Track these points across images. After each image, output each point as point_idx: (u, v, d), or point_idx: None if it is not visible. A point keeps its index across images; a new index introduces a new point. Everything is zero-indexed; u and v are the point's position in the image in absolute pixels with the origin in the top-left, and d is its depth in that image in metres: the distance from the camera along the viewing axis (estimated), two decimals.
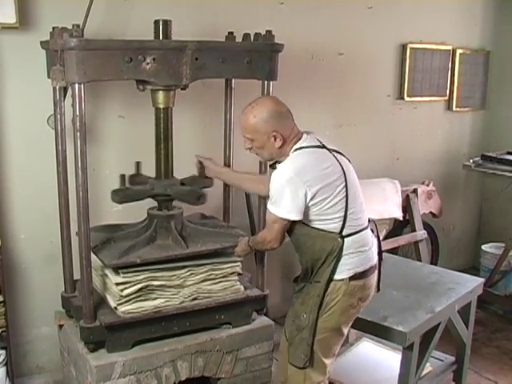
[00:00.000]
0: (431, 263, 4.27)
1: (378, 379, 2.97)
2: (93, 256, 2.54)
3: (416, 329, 2.57)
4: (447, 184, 4.73)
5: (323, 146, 2.27)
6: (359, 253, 2.26)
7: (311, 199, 2.16)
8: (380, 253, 2.43)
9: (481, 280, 3.15)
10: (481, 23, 4.65)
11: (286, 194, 2.14)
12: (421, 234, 4.12)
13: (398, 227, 4.15)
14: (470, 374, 3.32)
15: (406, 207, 4.05)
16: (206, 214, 3.14)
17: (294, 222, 2.23)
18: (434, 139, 4.61)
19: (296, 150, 2.23)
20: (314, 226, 2.23)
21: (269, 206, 2.23)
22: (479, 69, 4.73)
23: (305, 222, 2.23)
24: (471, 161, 4.36)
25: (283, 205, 2.16)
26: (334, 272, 2.22)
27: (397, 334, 2.53)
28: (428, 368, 2.97)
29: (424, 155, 4.54)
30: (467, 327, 3.09)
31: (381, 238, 3.79)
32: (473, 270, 4.61)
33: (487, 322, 4.12)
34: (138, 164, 2.81)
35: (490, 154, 4.33)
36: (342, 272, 2.23)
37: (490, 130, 4.91)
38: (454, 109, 4.63)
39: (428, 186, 4.22)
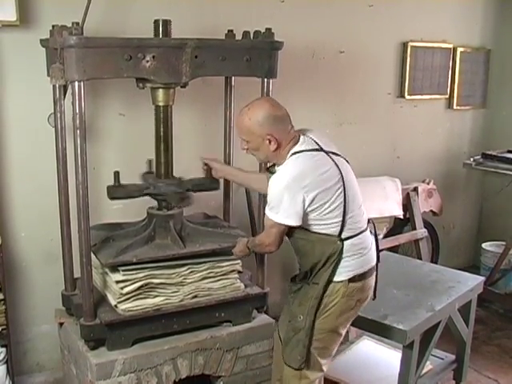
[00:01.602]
0: (431, 261, 4.26)
1: (379, 377, 2.97)
2: (92, 258, 2.55)
3: (416, 327, 2.57)
4: (448, 182, 4.73)
5: (320, 149, 2.23)
6: (359, 255, 2.25)
7: (309, 205, 2.14)
8: (378, 255, 2.40)
9: (481, 278, 3.15)
10: (481, 22, 4.64)
11: (285, 199, 2.12)
12: (421, 232, 4.12)
13: (399, 225, 4.15)
14: (471, 372, 3.32)
15: (407, 205, 4.05)
16: (208, 213, 3.13)
17: (292, 226, 2.21)
18: (435, 138, 4.60)
19: (294, 153, 2.20)
20: (313, 230, 2.22)
21: (267, 211, 2.21)
22: (480, 67, 4.72)
23: (304, 227, 2.21)
24: (472, 159, 4.35)
25: (281, 210, 2.14)
26: (333, 274, 2.21)
27: (397, 333, 2.53)
28: (428, 366, 2.97)
29: (424, 153, 4.54)
30: (467, 326, 3.09)
31: (381, 236, 3.86)
32: (473, 268, 4.60)
33: (487, 321, 4.12)
34: (150, 162, 2.81)
35: (490, 153, 4.33)
36: (342, 274, 2.22)
37: (490, 128, 4.90)
38: (455, 107, 4.62)
39: (428, 184, 4.22)
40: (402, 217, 3.98)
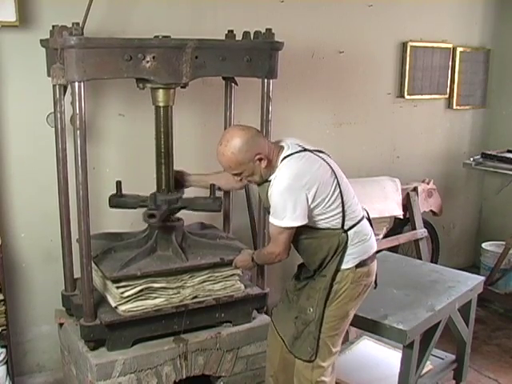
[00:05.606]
0: (431, 261, 4.26)
1: (379, 377, 2.96)
2: (93, 266, 2.55)
3: (416, 327, 2.57)
4: (447, 182, 4.73)
5: (305, 150, 2.29)
6: (362, 241, 2.32)
7: (312, 201, 2.19)
8: None
9: (481, 278, 3.14)
10: (481, 21, 4.64)
11: (288, 202, 2.16)
12: (421, 232, 4.12)
13: (399, 225, 4.15)
14: (471, 372, 3.33)
15: (407, 205, 4.05)
16: (207, 218, 3.11)
17: (298, 227, 2.24)
18: (435, 137, 4.60)
19: (284, 158, 2.24)
20: (317, 226, 2.27)
21: (271, 219, 2.23)
22: (479, 67, 4.73)
23: (308, 225, 2.25)
24: (471, 159, 4.35)
25: (288, 214, 2.17)
26: (340, 263, 2.28)
27: (397, 333, 2.52)
28: (428, 366, 2.97)
29: (424, 153, 4.54)
30: (467, 325, 3.09)
31: (381, 236, 3.86)
32: (473, 268, 4.60)
33: (487, 320, 4.12)
34: (119, 183, 2.73)
35: (490, 152, 4.33)
36: (349, 262, 2.29)
37: (490, 128, 4.90)
38: (455, 107, 4.62)
39: (428, 184, 4.22)
40: (401, 217, 3.98)
